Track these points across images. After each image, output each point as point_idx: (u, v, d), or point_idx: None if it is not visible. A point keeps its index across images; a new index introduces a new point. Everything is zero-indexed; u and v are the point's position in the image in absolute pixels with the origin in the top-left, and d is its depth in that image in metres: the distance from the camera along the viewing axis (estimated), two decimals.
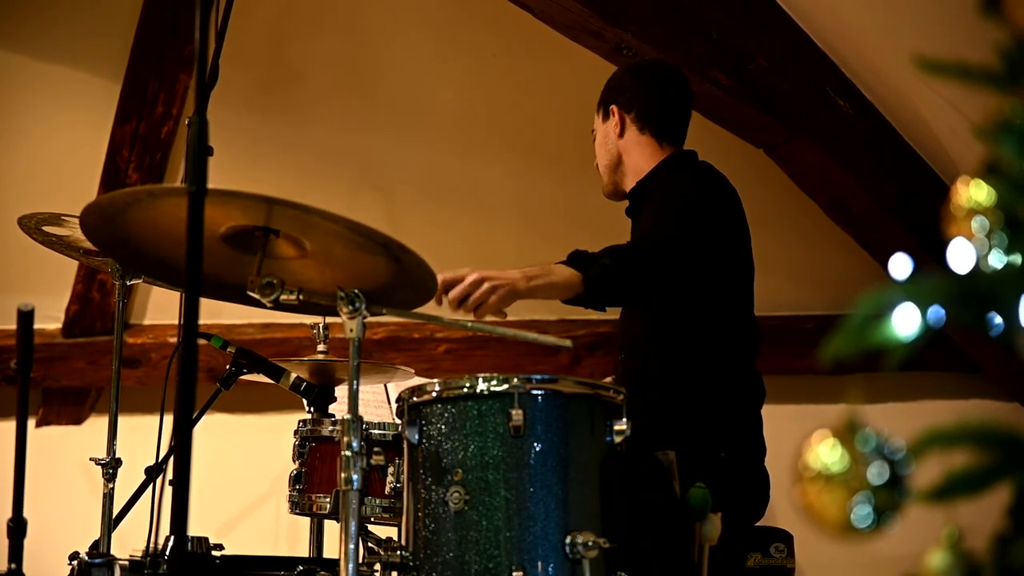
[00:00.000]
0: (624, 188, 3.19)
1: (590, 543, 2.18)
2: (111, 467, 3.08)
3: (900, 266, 1.00)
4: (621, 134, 3.14)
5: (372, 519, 2.90)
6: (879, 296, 0.98)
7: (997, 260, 0.98)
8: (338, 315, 2.22)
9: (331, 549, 2.81)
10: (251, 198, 2.12)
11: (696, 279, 2.85)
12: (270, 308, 2.25)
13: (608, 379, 3.27)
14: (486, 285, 2.58)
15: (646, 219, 3.06)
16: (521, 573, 2.16)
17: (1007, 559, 0.99)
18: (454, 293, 2.57)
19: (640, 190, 3.12)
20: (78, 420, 4.99)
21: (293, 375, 3.03)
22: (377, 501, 2.82)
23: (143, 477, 2.93)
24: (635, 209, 3.15)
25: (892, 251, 3.93)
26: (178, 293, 3.17)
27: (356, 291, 2.17)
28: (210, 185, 1.57)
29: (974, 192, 1.00)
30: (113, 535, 2.97)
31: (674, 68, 3.32)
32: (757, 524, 2.95)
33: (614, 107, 3.15)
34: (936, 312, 0.97)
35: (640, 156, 3.12)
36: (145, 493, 2.93)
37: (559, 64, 4.40)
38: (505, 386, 2.26)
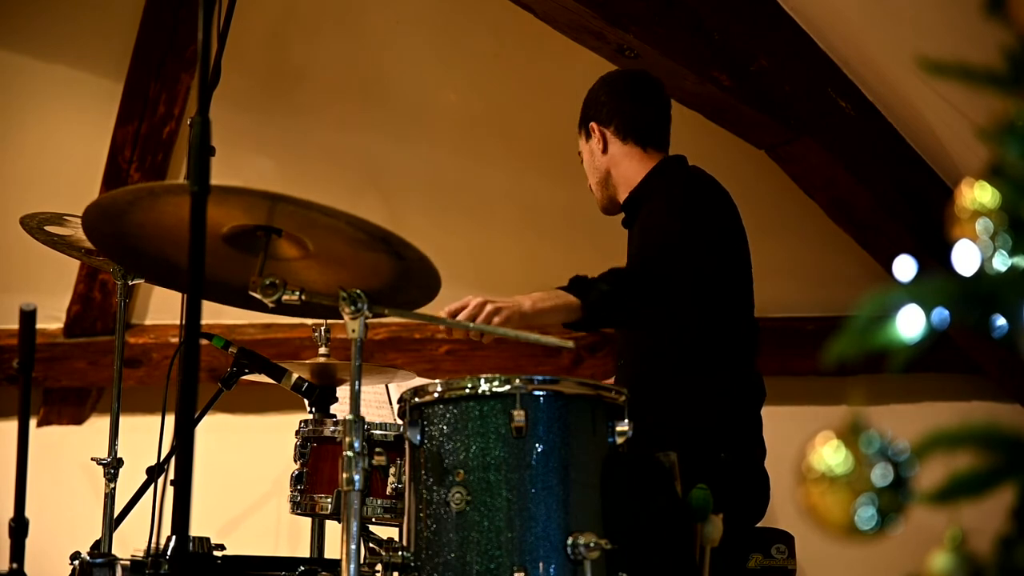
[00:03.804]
0: (619, 199, 3.19)
1: (592, 544, 2.18)
2: (112, 467, 3.08)
3: (904, 268, 1.00)
4: (605, 149, 3.16)
5: (373, 519, 2.90)
6: (883, 297, 0.98)
7: (1001, 262, 0.98)
8: (338, 318, 2.22)
9: (332, 549, 2.81)
10: (253, 194, 2.12)
11: (693, 294, 2.89)
12: (272, 307, 2.24)
13: (610, 381, 3.27)
14: (489, 307, 2.61)
15: (639, 232, 3.07)
16: (523, 574, 2.16)
17: (1010, 561, 0.99)
18: (461, 317, 2.60)
19: (633, 201, 3.12)
20: (79, 420, 4.99)
21: (294, 375, 3.03)
22: (378, 501, 2.83)
23: (144, 477, 2.93)
24: (630, 220, 3.16)
25: (893, 252, 3.90)
26: (180, 293, 3.18)
27: (358, 291, 2.17)
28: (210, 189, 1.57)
29: (978, 194, 1.00)
30: (114, 535, 2.97)
31: (644, 73, 3.33)
32: (758, 525, 2.95)
33: (593, 124, 3.17)
34: (940, 314, 0.97)
35: (628, 166, 3.13)
36: (146, 493, 2.93)
37: (561, 65, 4.39)
38: (507, 387, 2.26)
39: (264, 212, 2.19)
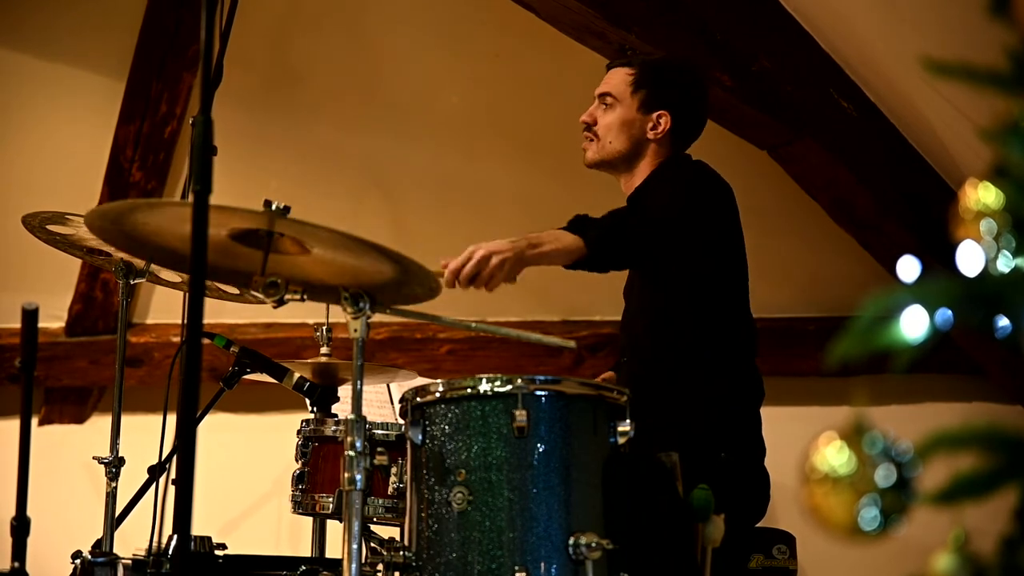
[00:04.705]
0: (618, 173, 3.15)
1: (593, 544, 2.18)
2: (114, 466, 3.08)
3: (907, 268, 1.00)
4: (657, 138, 3.09)
5: (375, 519, 2.90)
6: (886, 298, 0.97)
7: (1005, 263, 0.97)
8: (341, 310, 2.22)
9: (334, 549, 2.81)
10: (252, 213, 2.12)
11: (692, 292, 2.88)
12: (274, 307, 2.24)
13: (605, 375, 3.26)
14: (495, 260, 2.57)
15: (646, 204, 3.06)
16: (524, 574, 2.16)
17: (1013, 561, 0.99)
18: (465, 272, 2.56)
19: (638, 195, 3.10)
20: (80, 419, 4.99)
21: (296, 375, 3.03)
22: (380, 501, 2.82)
23: (146, 476, 2.93)
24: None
25: (893, 253, 3.89)
26: (181, 292, 3.19)
27: (360, 291, 2.17)
28: (213, 185, 1.57)
29: (982, 195, 1.00)
30: (116, 534, 2.97)
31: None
32: (759, 525, 2.95)
33: (666, 114, 3.08)
34: (943, 314, 0.97)
35: (652, 162, 3.10)
36: (148, 492, 2.93)
37: (562, 65, 4.39)
38: (509, 387, 2.26)
39: (264, 221, 2.19)
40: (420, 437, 2.32)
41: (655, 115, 3.08)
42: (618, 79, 3.13)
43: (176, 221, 2.21)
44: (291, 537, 4.50)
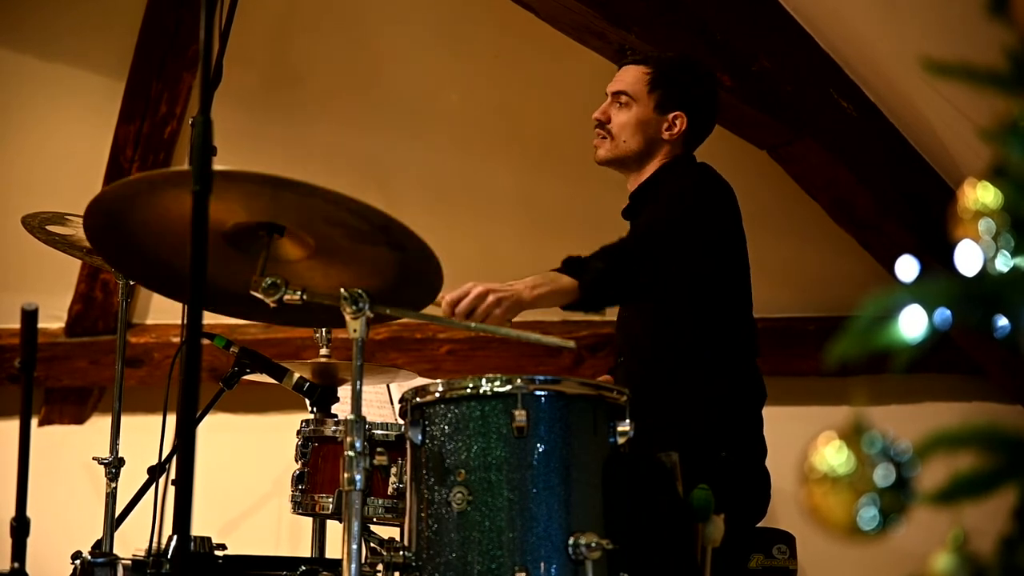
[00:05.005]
0: (628, 172, 3.14)
1: (593, 544, 2.18)
2: (114, 466, 3.09)
3: (906, 268, 1.00)
4: (671, 138, 3.08)
5: (375, 519, 2.91)
6: (885, 298, 0.97)
7: (1003, 263, 0.98)
8: (336, 326, 2.21)
9: (333, 549, 2.81)
10: (254, 179, 2.12)
11: (690, 270, 2.86)
12: (272, 307, 2.23)
13: (602, 379, 3.26)
14: (491, 297, 2.58)
15: (645, 219, 3.05)
16: (524, 574, 2.16)
17: (1012, 561, 0.99)
18: (461, 307, 2.57)
19: (641, 192, 3.10)
20: (80, 419, 4.99)
21: (296, 375, 3.03)
22: (380, 501, 2.83)
23: (146, 477, 2.93)
24: (635, 211, 3.13)
25: (893, 252, 3.89)
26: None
27: (360, 291, 2.17)
28: (213, 185, 1.57)
29: (981, 194, 1.00)
30: (116, 534, 2.98)
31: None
32: (759, 525, 2.95)
33: (682, 115, 3.07)
34: (942, 314, 0.97)
35: (662, 160, 3.09)
36: (148, 493, 2.93)
37: (562, 64, 4.39)
38: (508, 387, 2.26)
39: (265, 203, 2.19)
40: (420, 437, 2.32)
41: (671, 116, 3.07)
42: (633, 78, 3.10)
43: (175, 224, 2.21)
44: (291, 537, 4.50)
